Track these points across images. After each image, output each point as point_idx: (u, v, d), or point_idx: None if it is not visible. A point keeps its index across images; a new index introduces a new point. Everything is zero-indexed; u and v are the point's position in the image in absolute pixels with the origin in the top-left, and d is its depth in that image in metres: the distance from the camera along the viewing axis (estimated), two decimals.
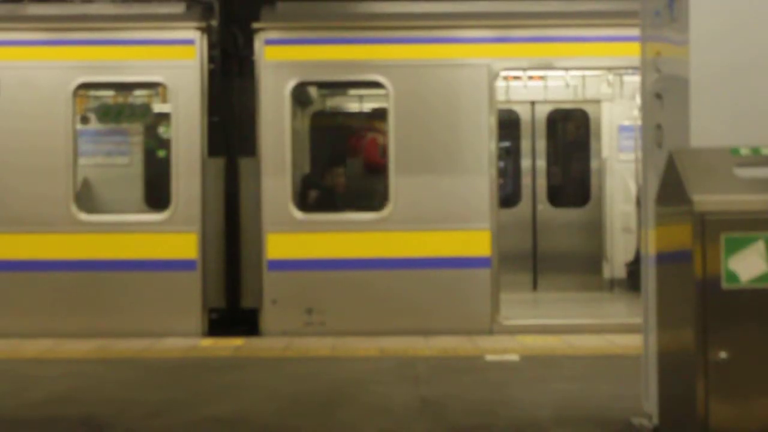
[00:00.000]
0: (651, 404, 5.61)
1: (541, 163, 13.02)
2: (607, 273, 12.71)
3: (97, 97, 11.51)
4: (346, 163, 12.09)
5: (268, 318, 9.95)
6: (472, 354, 8.72)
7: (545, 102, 12.79)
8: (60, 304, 9.92)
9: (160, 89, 10.94)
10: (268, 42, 10.09)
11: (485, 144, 10.00)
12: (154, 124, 11.64)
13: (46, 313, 9.90)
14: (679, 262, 4.96)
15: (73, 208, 10.03)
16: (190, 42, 10.10)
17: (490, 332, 9.81)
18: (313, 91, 12.06)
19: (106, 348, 9.16)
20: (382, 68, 10.08)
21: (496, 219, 10.04)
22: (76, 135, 10.27)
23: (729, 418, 4.76)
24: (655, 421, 5.51)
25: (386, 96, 10.15)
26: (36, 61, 10.12)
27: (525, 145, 12.96)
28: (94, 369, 8.25)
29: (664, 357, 5.28)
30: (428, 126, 10.04)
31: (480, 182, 9.95)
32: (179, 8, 10.35)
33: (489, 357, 8.54)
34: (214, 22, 10.33)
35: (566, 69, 11.23)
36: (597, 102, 12.84)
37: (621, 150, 12.63)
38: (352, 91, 12.61)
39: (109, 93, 11.47)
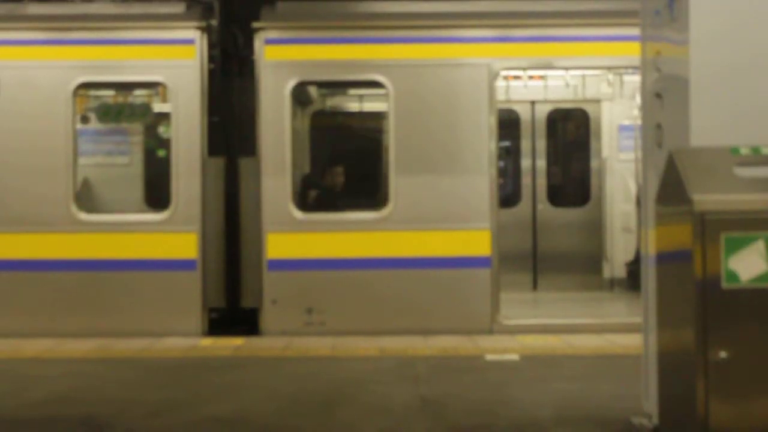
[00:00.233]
0: (651, 404, 5.61)
1: (541, 163, 13.02)
2: (607, 273, 12.71)
3: (97, 97, 11.51)
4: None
5: (268, 318, 9.95)
6: (472, 354, 8.72)
7: (545, 102, 12.79)
8: (60, 303, 9.92)
9: (160, 89, 10.93)
10: (268, 42, 10.09)
11: (485, 144, 10.00)
12: (154, 123, 11.64)
13: (46, 313, 9.89)
14: (679, 262, 4.96)
15: (73, 208, 10.03)
16: (190, 42, 10.10)
17: (490, 332, 9.81)
18: (313, 91, 12.06)
19: (106, 348, 9.16)
20: (382, 68, 10.08)
21: (496, 219, 10.04)
22: (76, 134, 10.27)
23: (729, 417, 4.76)
24: (655, 420, 5.51)
25: (386, 96, 10.15)
26: (36, 61, 10.12)
27: (525, 144, 12.96)
28: (94, 369, 8.25)
29: (664, 357, 5.28)
30: (428, 126, 10.03)
31: (480, 182, 9.95)
32: (179, 8, 10.35)
33: (489, 357, 8.54)
34: (214, 22, 10.33)
35: (566, 69, 11.23)
36: (597, 101, 12.84)
37: (621, 149, 12.63)
38: (352, 91, 12.62)
39: (109, 93, 11.47)
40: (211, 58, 10.22)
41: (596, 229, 12.82)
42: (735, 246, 4.75)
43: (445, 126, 10.02)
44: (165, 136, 11.00)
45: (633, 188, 12.13)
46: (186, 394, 7.19)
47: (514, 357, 8.49)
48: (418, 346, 9.11)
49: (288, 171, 10.01)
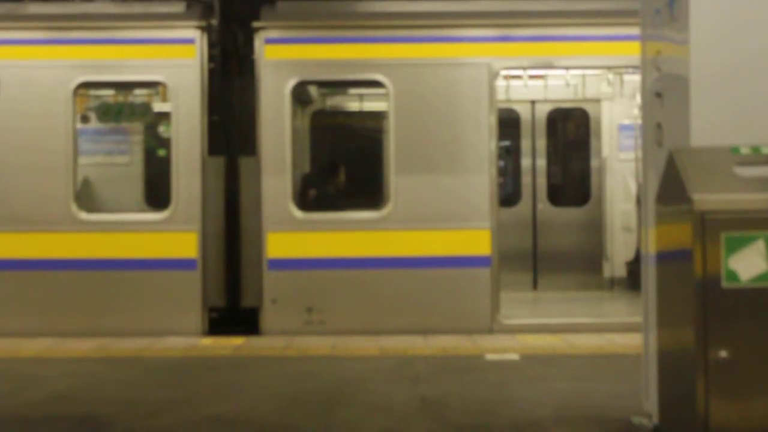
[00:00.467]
0: (651, 403, 5.61)
1: (542, 162, 13.02)
2: (607, 272, 12.72)
3: (97, 96, 11.51)
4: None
5: (268, 317, 9.95)
6: (472, 353, 8.72)
7: (545, 101, 12.79)
8: (60, 303, 9.92)
9: (160, 88, 10.94)
10: (268, 41, 10.09)
11: (485, 143, 10.00)
12: (154, 123, 11.65)
13: (46, 312, 9.89)
14: (679, 261, 4.96)
15: (74, 207, 10.03)
16: (190, 41, 10.10)
17: (490, 331, 9.81)
18: (313, 90, 12.06)
19: (106, 347, 9.16)
20: (383, 67, 10.08)
21: (496, 218, 10.04)
22: (76, 134, 10.26)
23: (729, 416, 4.76)
24: (655, 420, 5.51)
25: (386, 95, 10.15)
26: (36, 60, 10.11)
27: (525, 144, 12.96)
28: (95, 368, 8.25)
29: (664, 356, 5.29)
30: (428, 125, 10.03)
31: (480, 181, 9.95)
32: (179, 7, 10.35)
33: (489, 356, 8.54)
34: (214, 21, 10.33)
35: (566, 68, 11.22)
36: (597, 101, 12.84)
37: (621, 149, 12.63)
38: (353, 91, 12.62)
39: (110, 92, 11.47)
40: (211, 58, 10.22)
41: (596, 228, 12.82)
42: (735, 245, 4.76)
43: (445, 125, 10.01)
44: (165, 135, 11.00)
45: (633, 188, 12.13)
46: (186, 394, 7.19)
47: (514, 356, 8.49)
48: (418, 345, 9.11)
49: (288, 170, 10.01)
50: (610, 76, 12.28)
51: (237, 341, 9.41)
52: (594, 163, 12.95)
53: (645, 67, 5.88)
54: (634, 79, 11.08)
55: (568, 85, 12.39)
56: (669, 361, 5.20)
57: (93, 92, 11.38)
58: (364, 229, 10.03)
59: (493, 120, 10.04)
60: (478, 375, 7.77)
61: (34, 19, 10.37)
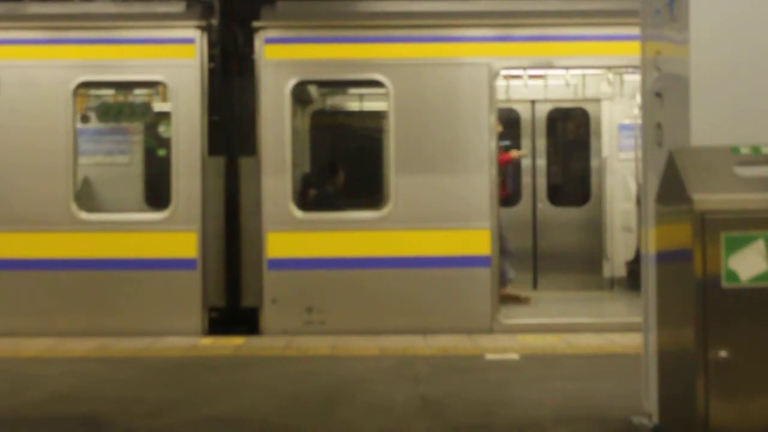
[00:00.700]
0: (651, 403, 5.61)
1: (541, 162, 13.03)
2: (607, 272, 12.72)
3: (97, 96, 11.51)
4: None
5: (268, 317, 9.95)
6: (472, 353, 8.72)
7: (545, 101, 12.79)
8: (60, 303, 9.91)
9: (160, 88, 10.94)
10: (268, 41, 10.09)
11: (485, 143, 10.00)
12: (154, 123, 11.65)
13: (46, 312, 9.89)
14: (679, 261, 4.96)
15: (74, 207, 10.03)
16: (190, 41, 10.10)
17: (490, 331, 9.81)
18: (313, 90, 12.06)
19: (106, 347, 9.16)
20: (383, 67, 10.08)
21: (497, 218, 10.04)
22: (76, 134, 10.26)
23: (729, 416, 4.76)
24: (655, 419, 5.51)
25: (386, 95, 10.15)
26: (36, 60, 10.11)
27: (525, 144, 12.96)
28: (95, 368, 8.25)
29: (664, 356, 5.29)
30: (428, 125, 10.03)
31: (480, 181, 9.95)
32: (179, 7, 10.35)
33: (489, 356, 8.54)
34: (215, 21, 10.33)
35: (566, 68, 11.22)
36: (597, 101, 12.84)
37: (621, 149, 12.63)
38: (353, 90, 12.62)
39: (110, 92, 11.47)
40: (211, 58, 10.22)
41: (596, 228, 12.82)
42: (735, 245, 4.76)
43: (445, 125, 10.01)
44: (165, 135, 11.00)
45: (633, 187, 12.13)
46: (186, 394, 7.19)
47: (514, 356, 8.49)
48: (418, 345, 9.11)
49: (288, 170, 10.01)
50: (610, 76, 12.28)
51: (237, 341, 9.41)
52: (594, 162, 12.95)
53: (645, 67, 5.88)
54: (634, 79, 11.09)
55: (568, 84, 12.40)
56: (669, 361, 5.20)
57: (93, 92, 11.38)
58: (364, 229, 10.03)
59: (493, 120, 10.04)
60: (478, 375, 7.77)
61: (34, 19, 10.36)
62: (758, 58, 5.19)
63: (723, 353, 4.73)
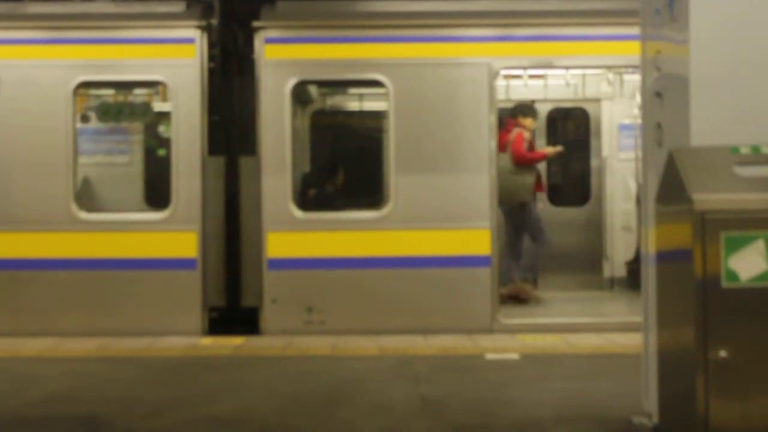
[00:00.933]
0: (651, 403, 5.61)
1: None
2: (607, 272, 12.71)
3: (97, 96, 11.51)
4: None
5: (268, 317, 9.95)
6: (472, 353, 8.72)
7: (545, 101, 12.78)
8: (60, 302, 9.91)
9: (160, 88, 10.94)
10: (268, 41, 10.08)
11: (485, 143, 10.00)
12: (154, 122, 11.65)
13: (46, 312, 9.89)
14: (679, 261, 4.96)
15: (74, 207, 10.03)
16: (190, 41, 10.09)
17: (490, 331, 9.81)
18: (313, 90, 12.06)
19: (106, 347, 9.16)
20: (383, 67, 10.08)
21: (496, 218, 10.04)
22: (76, 134, 10.26)
23: (729, 416, 4.76)
24: (655, 419, 5.51)
25: (386, 95, 10.15)
26: (36, 60, 10.11)
27: None
28: (95, 368, 8.25)
29: (664, 356, 5.29)
30: (428, 125, 10.03)
31: (480, 181, 9.95)
32: (179, 7, 10.35)
33: (489, 356, 8.54)
34: (214, 21, 10.33)
35: (566, 68, 11.22)
36: (597, 101, 12.84)
37: (621, 149, 12.63)
38: (353, 90, 12.62)
39: (110, 92, 11.47)
40: (211, 57, 10.21)
41: (596, 228, 12.82)
42: (735, 245, 4.76)
43: (445, 125, 10.01)
44: (165, 135, 11.01)
45: (633, 187, 12.13)
46: (186, 394, 7.19)
47: (514, 356, 8.49)
48: (418, 345, 9.11)
49: (288, 170, 10.01)
50: (610, 75, 12.28)
51: (237, 341, 9.41)
52: (594, 162, 12.94)
53: (645, 66, 5.88)
54: (634, 78, 11.08)
55: (568, 84, 12.39)
56: (669, 361, 5.20)
57: (93, 92, 11.38)
58: (364, 228, 10.03)
59: (493, 119, 10.04)
60: (478, 375, 7.77)
61: (34, 18, 10.36)
62: (758, 58, 5.19)
63: (723, 353, 4.73)
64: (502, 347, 8.90)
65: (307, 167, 12.18)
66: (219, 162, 10.13)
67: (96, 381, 7.73)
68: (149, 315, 9.88)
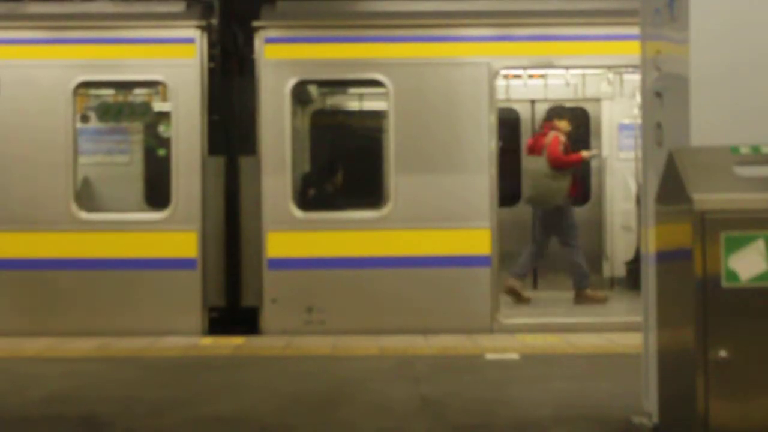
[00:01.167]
0: (651, 403, 5.61)
1: None
2: (607, 271, 12.71)
3: (97, 96, 11.51)
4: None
5: (268, 317, 9.95)
6: (472, 353, 8.72)
7: (545, 101, 12.78)
8: (60, 302, 9.91)
9: (160, 88, 10.94)
10: (268, 40, 10.09)
11: (485, 143, 10.00)
12: (154, 122, 11.65)
13: (46, 312, 9.89)
14: (679, 261, 4.96)
15: (74, 207, 10.03)
16: (190, 41, 10.10)
17: (490, 331, 9.81)
18: (313, 90, 12.06)
19: (106, 347, 9.17)
20: (382, 67, 10.08)
21: (496, 218, 10.04)
22: (76, 133, 10.26)
23: (729, 416, 4.76)
24: (655, 419, 5.51)
25: (386, 94, 10.15)
26: (36, 60, 10.11)
27: (525, 144, 12.94)
28: (95, 368, 8.25)
29: (664, 355, 5.29)
30: (428, 124, 10.03)
31: (480, 181, 9.95)
32: (179, 7, 10.35)
33: (489, 356, 8.54)
34: (214, 21, 10.33)
35: (566, 68, 11.22)
36: (597, 100, 12.84)
37: (621, 148, 12.63)
38: (352, 90, 12.61)
39: (110, 91, 11.47)
40: (211, 57, 10.21)
41: (596, 228, 12.82)
42: (735, 245, 4.75)
43: (445, 125, 10.01)
44: (165, 135, 11.00)
45: (633, 187, 12.13)
46: (186, 393, 7.19)
47: (514, 356, 8.49)
48: (418, 345, 9.11)
49: (288, 170, 10.01)
50: (610, 75, 12.28)
51: (237, 341, 9.41)
52: (594, 162, 12.93)
53: (645, 66, 5.88)
54: (634, 78, 11.08)
55: (568, 84, 12.38)
56: (669, 361, 5.20)
57: (93, 92, 11.37)
58: (364, 228, 10.03)
59: (493, 119, 10.03)
60: (478, 375, 7.77)
61: (34, 18, 10.36)
62: (758, 58, 5.18)
63: (723, 353, 4.73)
64: (502, 347, 8.90)
65: (307, 167, 12.17)
66: (219, 162, 10.13)
67: (96, 381, 7.73)
68: (149, 315, 9.88)
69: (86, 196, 11.06)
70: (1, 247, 10.01)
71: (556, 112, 11.63)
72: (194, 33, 10.11)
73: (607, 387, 7.09)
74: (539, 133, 11.46)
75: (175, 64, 10.07)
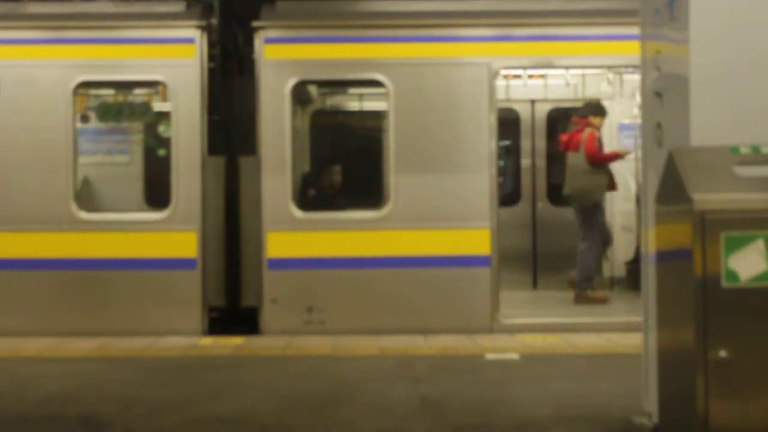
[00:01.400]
0: (651, 403, 5.61)
1: (541, 162, 13.02)
2: (607, 272, 12.71)
3: (97, 96, 11.50)
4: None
5: (268, 317, 9.95)
6: (472, 353, 8.72)
7: (545, 101, 12.78)
8: (60, 302, 9.91)
9: (160, 88, 10.93)
10: (268, 41, 10.09)
11: (485, 143, 10.00)
12: (154, 122, 11.64)
13: (46, 312, 9.89)
14: (679, 261, 4.96)
15: (74, 207, 10.03)
16: (190, 41, 10.10)
17: (490, 331, 9.81)
18: (313, 90, 12.06)
19: (106, 347, 9.17)
20: (382, 67, 10.08)
21: (496, 217, 10.04)
22: (76, 133, 10.26)
23: (729, 416, 4.76)
24: (655, 419, 5.51)
25: (386, 95, 10.15)
26: (36, 60, 10.11)
27: (525, 144, 12.95)
28: (95, 368, 8.25)
29: (664, 356, 5.29)
30: (428, 125, 10.03)
31: (480, 181, 9.95)
32: (179, 7, 10.35)
33: (489, 356, 8.54)
34: (214, 21, 10.33)
35: (566, 68, 11.22)
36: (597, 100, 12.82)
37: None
38: (352, 90, 12.61)
39: (109, 91, 11.47)
40: (211, 57, 10.21)
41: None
42: (735, 245, 4.76)
43: (445, 125, 10.01)
44: (165, 134, 10.99)
45: (633, 187, 12.13)
46: (186, 393, 7.19)
47: (514, 356, 8.49)
48: (418, 345, 9.11)
49: (288, 170, 10.01)
50: (610, 75, 12.28)
51: (237, 341, 9.41)
52: None
53: (645, 66, 5.88)
54: (634, 78, 11.08)
55: (568, 84, 12.38)
56: (669, 361, 5.20)
57: (93, 92, 11.37)
58: (364, 228, 10.03)
59: (493, 119, 10.03)
60: (478, 375, 7.77)
61: (33, 18, 10.36)
62: (758, 58, 5.19)
63: (723, 353, 4.73)
64: (502, 347, 8.90)
65: (307, 167, 12.17)
66: (219, 162, 10.13)
67: (96, 381, 7.73)
68: (149, 315, 9.88)
69: (86, 196, 11.05)
70: (0, 247, 10.01)
71: (592, 108, 11.68)
72: (194, 33, 10.11)
73: (607, 387, 7.09)
74: (575, 130, 11.49)
75: (175, 64, 10.07)
